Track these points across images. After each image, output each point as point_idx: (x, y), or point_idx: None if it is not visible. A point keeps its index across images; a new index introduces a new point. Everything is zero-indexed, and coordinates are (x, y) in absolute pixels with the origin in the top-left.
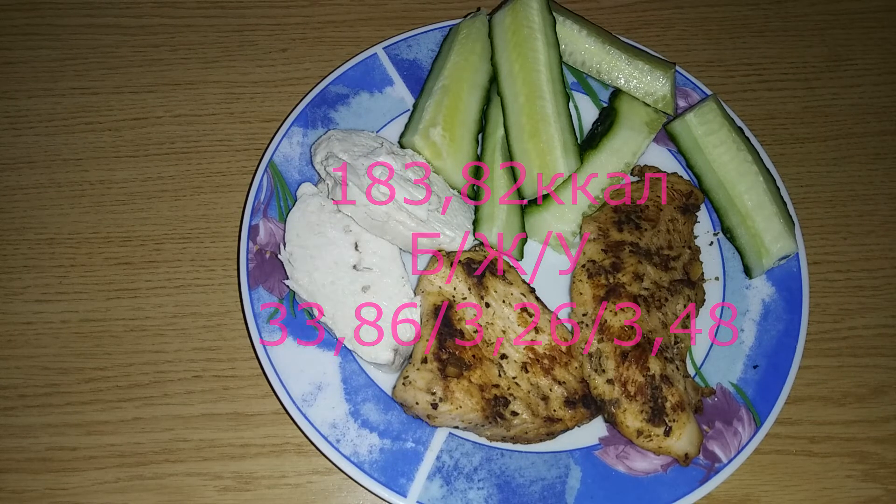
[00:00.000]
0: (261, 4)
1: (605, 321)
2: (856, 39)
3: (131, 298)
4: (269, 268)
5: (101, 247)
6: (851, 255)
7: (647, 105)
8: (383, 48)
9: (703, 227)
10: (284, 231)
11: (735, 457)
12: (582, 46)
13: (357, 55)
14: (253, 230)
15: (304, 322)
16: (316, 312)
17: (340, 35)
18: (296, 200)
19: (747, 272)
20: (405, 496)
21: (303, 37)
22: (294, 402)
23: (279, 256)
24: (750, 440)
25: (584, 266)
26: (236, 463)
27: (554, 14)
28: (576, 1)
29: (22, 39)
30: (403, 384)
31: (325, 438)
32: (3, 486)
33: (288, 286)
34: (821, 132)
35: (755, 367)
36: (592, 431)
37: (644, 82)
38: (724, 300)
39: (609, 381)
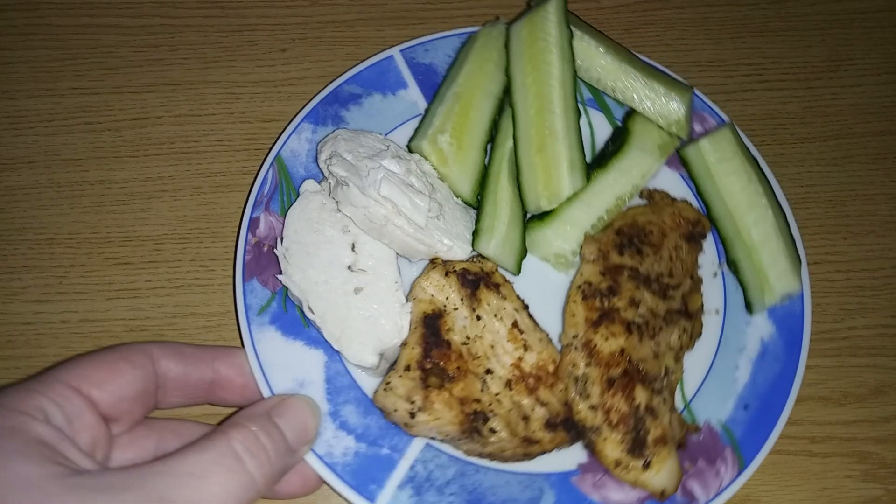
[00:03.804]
0: (261, 4)
1: (595, 345)
2: (856, 39)
3: (131, 298)
4: (266, 261)
5: (101, 247)
6: (851, 255)
7: (661, 127)
8: (400, 51)
9: (709, 257)
10: (283, 226)
11: (713, 499)
12: (598, 63)
13: (373, 56)
14: (253, 222)
15: (294, 318)
16: (307, 310)
17: (340, 35)
18: (298, 196)
19: (748, 308)
20: (373, 502)
21: (303, 37)
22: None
23: (275, 251)
24: (731, 483)
25: (579, 287)
26: None
27: (572, 28)
28: (576, 1)
29: (22, 39)
30: (384, 390)
31: None
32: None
33: (281, 281)
34: (821, 132)
35: (746, 407)
36: (572, 457)
37: (659, 104)
38: (721, 334)
39: (592, 408)
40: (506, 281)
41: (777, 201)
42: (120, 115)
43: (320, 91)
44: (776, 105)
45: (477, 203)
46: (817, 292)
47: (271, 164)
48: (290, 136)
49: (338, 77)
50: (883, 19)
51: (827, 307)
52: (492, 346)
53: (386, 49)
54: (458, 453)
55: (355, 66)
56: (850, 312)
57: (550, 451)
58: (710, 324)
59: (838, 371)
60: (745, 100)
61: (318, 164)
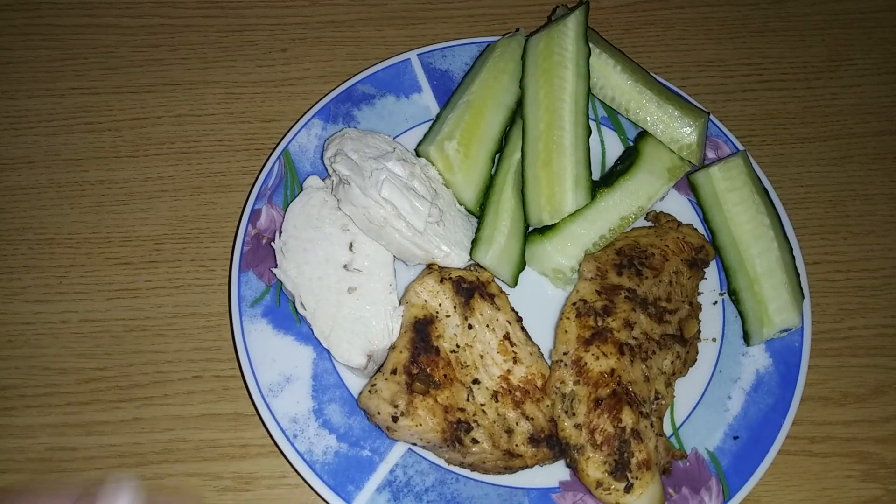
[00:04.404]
0: (261, 4)
1: (585, 364)
2: (856, 39)
3: (131, 298)
4: (263, 253)
5: (101, 247)
6: (851, 255)
7: (672, 151)
8: (417, 55)
9: (710, 284)
10: (283, 220)
11: None
12: (613, 82)
13: (390, 57)
14: (255, 213)
15: (287, 313)
16: (299, 305)
17: (340, 35)
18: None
19: (746, 339)
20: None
21: (303, 37)
22: (260, 390)
23: (273, 244)
24: None
25: (574, 304)
26: (236, 463)
27: (591, 45)
28: (575, 1)
29: (22, 39)
30: (369, 391)
31: (283, 432)
32: (3, 486)
33: (275, 274)
34: (821, 132)
35: (735, 437)
36: (554, 473)
37: (671, 128)
38: (717, 363)
39: (577, 426)
40: (501, 292)
41: (784, 234)
42: (120, 115)
43: (335, 88)
44: (776, 105)
45: (479, 212)
46: (817, 292)
47: (279, 157)
48: (299, 130)
49: (351, 76)
50: (883, 19)
51: (827, 307)
52: (481, 357)
53: (393, 50)
54: (440, 461)
55: (369, 66)
56: (850, 312)
57: (532, 466)
58: (706, 351)
59: (838, 371)
60: (745, 100)
61: (322, 161)
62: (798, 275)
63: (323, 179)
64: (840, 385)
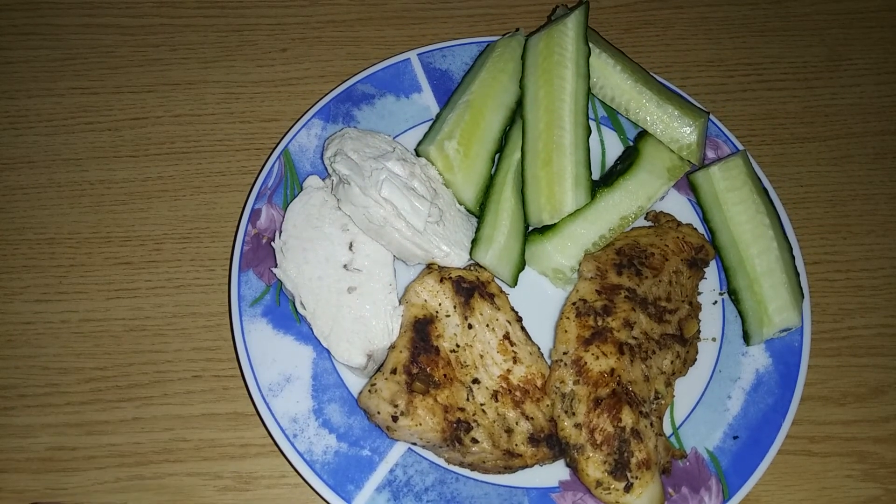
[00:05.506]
0: (261, 4)
1: (585, 363)
2: (856, 39)
3: (131, 298)
4: (263, 253)
5: (101, 247)
6: (851, 255)
7: (672, 151)
8: (417, 54)
9: (710, 284)
10: (283, 219)
11: None
12: (613, 82)
13: (390, 57)
14: (255, 213)
15: (286, 312)
16: (298, 305)
17: (340, 35)
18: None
19: (746, 338)
20: (349, 503)
21: (303, 37)
22: (260, 390)
23: (273, 243)
24: None
25: (574, 304)
26: (236, 463)
27: (590, 45)
28: (575, 1)
29: (22, 39)
30: (369, 391)
31: (283, 431)
32: (3, 486)
33: (275, 274)
34: (821, 132)
35: (735, 437)
36: (554, 473)
37: (671, 128)
38: (717, 363)
39: (577, 426)
40: (501, 292)
41: (784, 233)
42: (120, 115)
43: (335, 88)
44: (776, 105)
45: (479, 212)
46: (817, 292)
47: (278, 156)
48: (299, 130)
49: (351, 76)
50: (882, 19)
51: (827, 307)
52: (481, 356)
53: (393, 50)
54: (440, 461)
55: (369, 66)
56: (849, 312)
57: (532, 465)
58: (706, 351)
59: (838, 371)
60: (745, 100)
61: (322, 161)
62: (798, 274)
63: (323, 179)
64: (840, 385)
